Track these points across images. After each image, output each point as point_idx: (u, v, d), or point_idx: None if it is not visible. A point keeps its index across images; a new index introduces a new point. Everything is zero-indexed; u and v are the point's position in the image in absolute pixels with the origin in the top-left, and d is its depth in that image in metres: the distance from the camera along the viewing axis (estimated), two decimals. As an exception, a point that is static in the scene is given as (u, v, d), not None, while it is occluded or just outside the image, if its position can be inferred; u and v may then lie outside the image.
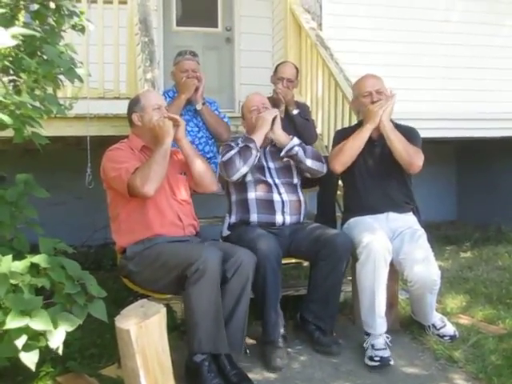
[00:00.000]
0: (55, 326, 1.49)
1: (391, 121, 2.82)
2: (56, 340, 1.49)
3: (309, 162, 2.87)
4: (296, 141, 2.88)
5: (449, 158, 6.77)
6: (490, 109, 5.28)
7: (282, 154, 2.87)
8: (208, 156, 3.42)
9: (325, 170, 2.94)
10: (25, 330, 1.43)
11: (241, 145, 2.82)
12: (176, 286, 2.30)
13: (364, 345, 2.54)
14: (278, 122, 2.87)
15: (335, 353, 2.58)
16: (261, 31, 5.82)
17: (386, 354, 2.42)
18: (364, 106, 2.86)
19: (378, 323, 2.53)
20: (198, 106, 3.43)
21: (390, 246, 2.59)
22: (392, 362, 2.41)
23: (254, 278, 2.41)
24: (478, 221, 6.03)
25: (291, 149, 2.85)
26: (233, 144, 2.95)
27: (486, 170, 6.35)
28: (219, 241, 2.86)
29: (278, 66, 3.83)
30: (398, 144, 2.72)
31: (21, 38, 1.66)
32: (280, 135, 2.87)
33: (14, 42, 1.59)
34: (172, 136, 2.51)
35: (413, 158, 2.72)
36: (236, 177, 2.75)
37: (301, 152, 2.85)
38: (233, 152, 2.78)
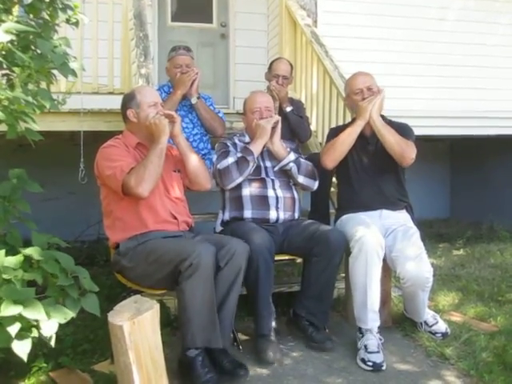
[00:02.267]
0: (48, 317, 1.49)
1: (384, 118, 2.84)
2: (49, 329, 1.49)
3: (300, 179, 2.89)
4: (292, 156, 2.89)
5: (442, 156, 6.80)
6: (485, 107, 5.31)
7: (276, 169, 2.89)
8: (202, 153, 3.41)
9: (315, 187, 2.96)
10: (18, 318, 1.43)
11: (239, 155, 2.81)
12: (170, 282, 2.30)
13: (357, 344, 2.54)
14: (278, 133, 2.87)
15: (329, 349, 2.58)
16: (256, 27, 5.81)
17: (379, 359, 2.42)
18: (356, 104, 2.88)
19: (369, 317, 2.54)
20: (193, 100, 3.41)
21: (383, 240, 2.61)
22: (384, 368, 2.40)
23: (247, 270, 2.41)
24: (471, 218, 6.06)
25: (286, 164, 2.86)
26: (229, 143, 2.95)
27: (479, 168, 6.38)
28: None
29: (273, 62, 3.82)
30: (389, 137, 2.73)
31: (15, 32, 1.64)
32: (278, 147, 2.87)
33: (7, 38, 1.58)
34: (168, 134, 2.49)
35: (405, 151, 2.73)
36: (231, 186, 2.78)
37: (294, 168, 2.87)
38: (230, 161, 2.78)
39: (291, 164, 2.86)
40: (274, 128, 2.85)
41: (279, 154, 2.87)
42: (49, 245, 1.71)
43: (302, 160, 2.97)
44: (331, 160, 2.84)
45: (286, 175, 2.94)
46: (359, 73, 2.97)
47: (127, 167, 2.38)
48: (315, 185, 2.95)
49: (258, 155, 2.84)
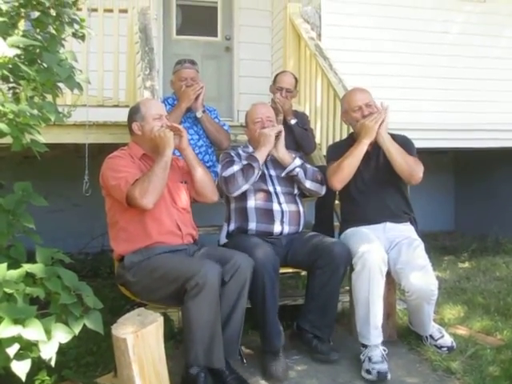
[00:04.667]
0: (49, 336, 1.47)
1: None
2: (48, 351, 1.48)
3: (308, 184, 2.88)
4: (298, 162, 2.89)
5: (447, 168, 6.79)
6: (488, 119, 5.31)
7: (283, 174, 2.88)
8: (207, 165, 3.41)
9: (323, 192, 2.95)
10: (17, 339, 1.42)
11: (244, 162, 2.81)
12: (174, 299, 2.29)
13: (361, 356, 2.52)
14: (282, 141, 2.87)
15: (334, 360, 2.57)
16: (260, 41, 5.85)
17: (384, 367, 2.40)
18: (355, 121, 2.87)
19: (372, 334, 2.51)
20: (199, 114, 3.42)
21: (386, 256, 2.59)
22: (389, 377, 2.39)
23: (253, 287, 2.40)
24: (476, 231, 6.03)
25: (292, 170, 2.86)
26: (232, 153, 2.95)
27: (483, 181, 6.36)
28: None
29: (277, 75, 3.84)
30: (398, 157, 2.72)
31: (21, 46, 1.66)
32: (283, 154, 2.87)
33: (13, 52, 1.59)
34: (172, 147, 2.50)
35: (413, 170, 2.72)
36: (236, 193, 2.76)
37: (301, 173, 2.86)
38: (235, 168, 2.77)
39: (297, 169, 2.85)
40: (277, 136, 2.85)
41: (285, 161, 2.87)
42: (53, 259, 1.70)
43: (308, 166, 2.98)
44: (339, 181, 2.81)
45: (291, 184, 2.93)
46: (356, 89, 2.97)
47: (132, 178, 2.39)
48: (323, 190, 2.94)
49: (263, 164, 2.85)
